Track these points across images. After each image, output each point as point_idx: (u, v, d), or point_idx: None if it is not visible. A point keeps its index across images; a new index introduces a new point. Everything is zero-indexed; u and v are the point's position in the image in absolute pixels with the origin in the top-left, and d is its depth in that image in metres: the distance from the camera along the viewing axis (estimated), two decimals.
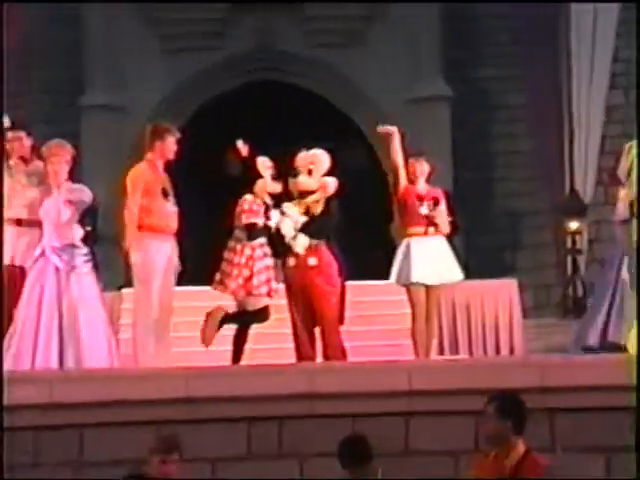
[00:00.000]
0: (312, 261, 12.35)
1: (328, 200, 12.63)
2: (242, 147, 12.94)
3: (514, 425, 8.07)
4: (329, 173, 12.70)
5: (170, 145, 11.98)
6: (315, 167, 12.64)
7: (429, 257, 12.84)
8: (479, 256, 20.24)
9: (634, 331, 12.21)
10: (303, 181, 12.64)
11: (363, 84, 26.20)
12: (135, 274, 11.95)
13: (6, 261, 11.92)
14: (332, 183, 12.68)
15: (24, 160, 12.20)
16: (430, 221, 12.99)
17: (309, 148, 13.00)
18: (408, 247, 12.94)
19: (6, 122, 12.29)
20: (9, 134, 12.26)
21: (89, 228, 24.73)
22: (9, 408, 9.83)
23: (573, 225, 24.23)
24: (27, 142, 12.29)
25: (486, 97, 26.20)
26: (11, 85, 24.23)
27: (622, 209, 12.99)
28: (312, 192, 12.57)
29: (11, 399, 9.92)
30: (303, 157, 12.73)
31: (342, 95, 26.54)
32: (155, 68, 26.06)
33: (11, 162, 12.18)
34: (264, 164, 12.87)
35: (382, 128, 13.56)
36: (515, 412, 8.16)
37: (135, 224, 11.82)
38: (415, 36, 26.11)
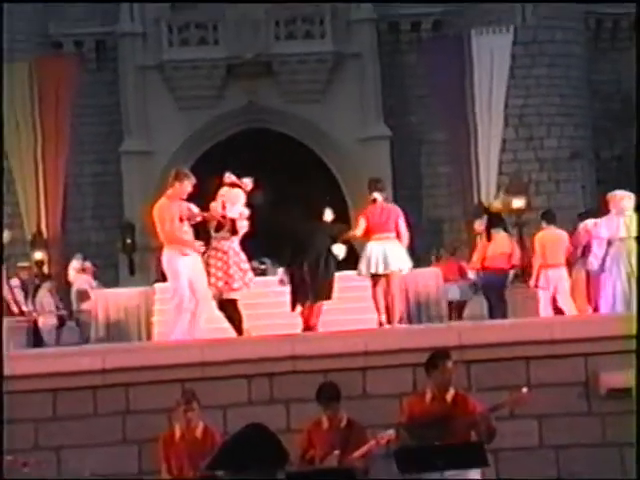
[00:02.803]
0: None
1: None
2: (249, 182, 12.02)
3: None
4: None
5: (186, 187, 11.31)
6: None
7: (383, 253, 12.39)
8: (413, 251, 20.18)
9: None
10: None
11: (326, 128, 26.22)
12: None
13: None
14: None
15: None
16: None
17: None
18: (369, 247, 12.44)
19: None
20: None
21: (129, 241, 24.81)
22: (71, 373, 9.76)
23: (479, 227, 24.17)
24: None
25: (414, 135, 26.25)
26: (70, 137, 24.24)
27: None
28: None
29: (77, 367, 9.84)
30: None
31: (310, 137, 26.55)
32: (174, 122, 26.01)
33: None
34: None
35: None
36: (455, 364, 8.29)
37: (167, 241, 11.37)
38: (362, 93, 26.17)
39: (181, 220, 11.45)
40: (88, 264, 19.06)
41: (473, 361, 9.78)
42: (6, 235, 21.01)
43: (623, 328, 9.79)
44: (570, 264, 13.81)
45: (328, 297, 12.27)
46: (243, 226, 11.74)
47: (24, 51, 24.69)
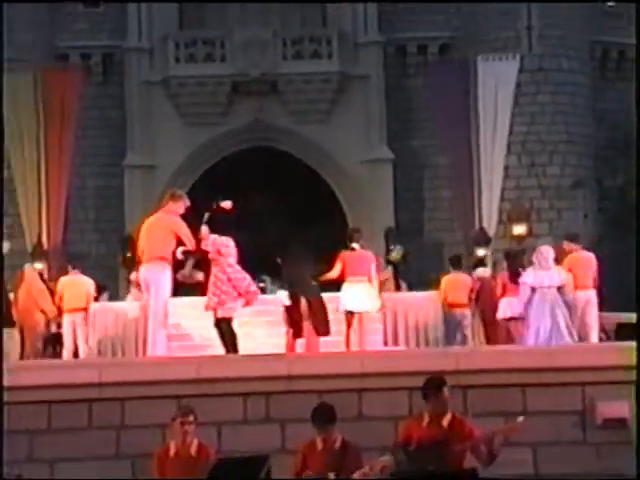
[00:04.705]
0: None
1: None
2: (226, 205, 12.47)
3: None
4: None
5: (180, 208, 11.82)
6: None
7: (357, 294, 13.87)
8: (414, 275, 20.23)
9: None
10: None
11: (329, 149, 26.26)
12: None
13: None
14: None
15: None
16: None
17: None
18: (345, 289, 13.95)
19: None
20: None
21: (129, 254, 24.77)
22: (67, 385, 9.76)
23: (481, 252, 24.26)
24: None
25: (417, 159, 26.31)
26: (73, 149, 24.29)
27: None
28: None
29: (74, 379, 9.85)
30: None
31: (313, 157, 26.60)
32: (178, 137, 26.05)
33: None
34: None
35: None
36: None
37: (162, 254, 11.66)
38: (367, 115, 26.25)
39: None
40: None
41: (469, 386, 9.81)
42: (5, 245, 21.06)
43: (622, 358, 9.81)
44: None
45: (327, 332, 13.25)
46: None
47: (29, 62, 24.71)
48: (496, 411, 9.63)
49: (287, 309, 13.27)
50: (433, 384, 8.34)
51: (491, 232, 24.72)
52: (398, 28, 26.36)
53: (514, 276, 15.52)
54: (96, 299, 17.49)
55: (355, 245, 14.18)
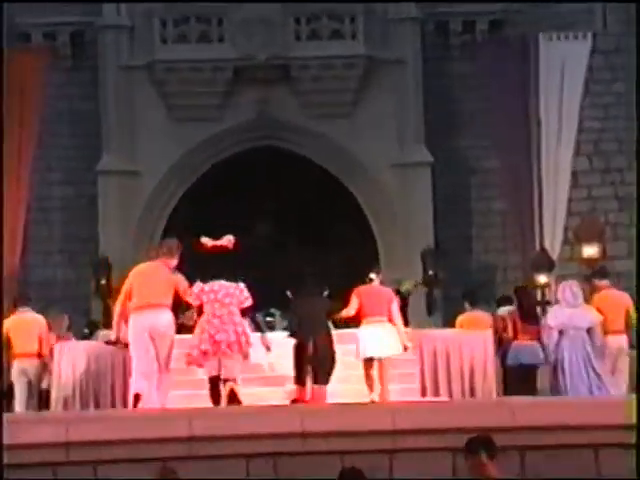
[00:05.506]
0: None
1: None
2: (207, 242, 13.75)
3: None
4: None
5: (177, 258, 13.26)
6: None
7: (377, 337, 14.50)
8: (457, 306, 20.24)
9: None
10: None
11: (353, 150, 26.29)
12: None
13: None
14: None
15: None
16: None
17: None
18: (362, 330, 14.62)
19: None
20: None
21: (104, 282, 24.84)
22: (27, 446, 9.78)
23: (542, 279, 24.26)
24: None
25: (462, 162, 26.31)
26: (36, 149, 24.35)
27: None
28: None
29: (35, 438, 9.88)
30: None
31: (333, 160, 26.61)
32: (165, 136, 26.11)
33: None
34: None
35: None
36: (495, 453, 8.37)
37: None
38: (400, 107, 26.26)
39: None
40: None
41: (528, 447, 9.80)
42: None
43: None
44: None
45: (327, 381, 14.03)
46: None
47: None
48: (562, 478, 9.62)
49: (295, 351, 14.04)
50: (469, 446, 8.43)
51: (555, 254, 24.71)
52: (439, 1, 26.44)
53: (525, 314, 15.96)
54: (86, 338, 17.68)
55: (373, 276, 15.06)
